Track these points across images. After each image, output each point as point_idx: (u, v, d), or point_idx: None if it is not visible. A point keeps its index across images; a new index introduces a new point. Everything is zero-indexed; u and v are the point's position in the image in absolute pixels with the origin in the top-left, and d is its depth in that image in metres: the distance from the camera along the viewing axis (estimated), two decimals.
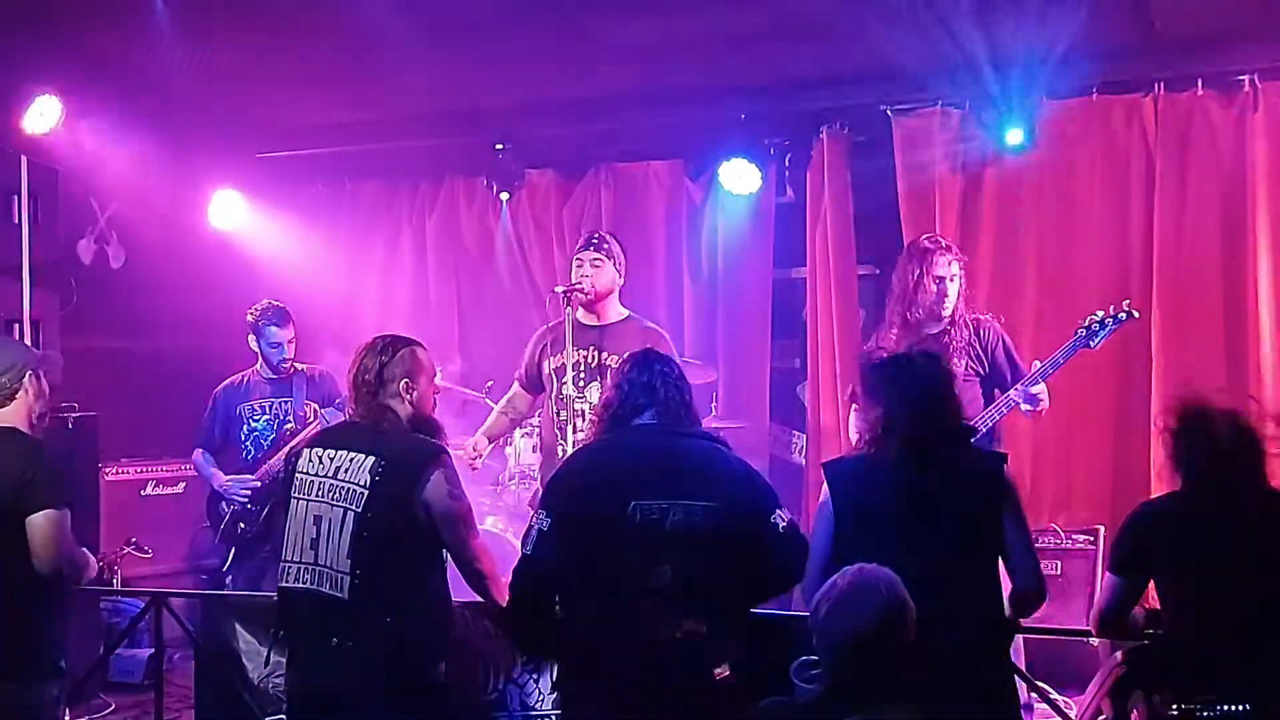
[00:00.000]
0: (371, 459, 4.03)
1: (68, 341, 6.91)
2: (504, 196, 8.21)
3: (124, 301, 7.85)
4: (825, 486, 4.04)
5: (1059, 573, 6.37)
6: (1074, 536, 6.52)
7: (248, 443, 6.71)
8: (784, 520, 3.88)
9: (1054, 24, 6.30)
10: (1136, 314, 5.79)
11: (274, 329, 6.63)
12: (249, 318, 6.69)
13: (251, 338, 6.68)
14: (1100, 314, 5.69)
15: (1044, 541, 6.38)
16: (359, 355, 4.26)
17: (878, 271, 8.04)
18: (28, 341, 6.64)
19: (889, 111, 7.33)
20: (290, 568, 4.10)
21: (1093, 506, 6.93)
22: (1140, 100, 6.95)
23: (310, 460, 4.14)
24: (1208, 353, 6.80)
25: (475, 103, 7.61)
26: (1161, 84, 6.88)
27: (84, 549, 4.40)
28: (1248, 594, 3.75)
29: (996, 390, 5.79)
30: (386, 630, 3.93)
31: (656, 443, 3.92)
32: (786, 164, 7.80)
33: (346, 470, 4.05)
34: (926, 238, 6.18)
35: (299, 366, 6.76)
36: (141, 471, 7.62)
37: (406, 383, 4.18)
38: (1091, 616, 4.10)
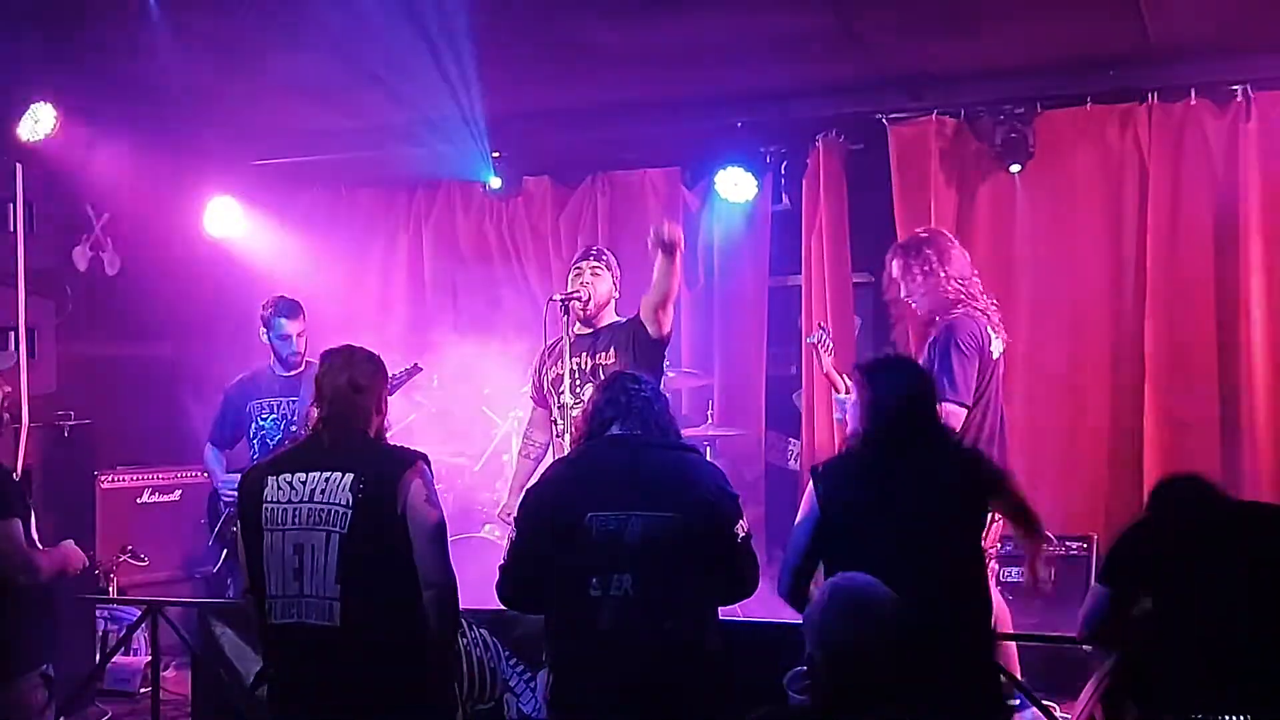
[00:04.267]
0: (349, 476, 3.83)
1: (63, 349, 6.94)
2: (495, 183, 8.18)
3: (120, 308, 7.84)
4: (810, 486, 4.11)
5: (1052, 579, 6.37)
6: (1068, 543, 6.52)
7: (255, 441, 6.59)
8: (742, 533, 3.91)
9: (1049, 33, 6.34)
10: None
11: (283, 320, 6.54)
12: (261, 311, 6.63)
13: (262, 330, 6.61)
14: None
15: None
16: (326, 365, 4.05)
17: (873, 279, 8.04)
18: (23, 348, 6.66)
19: (884, 120, 7.36)
20: (275, 603, 3.87)
21: (1086, 513, 6.95)
22: (1134, 109, 6.99)
23: (279, 488, 3.89)
24: (1200, 361, 6.82)
25: (472, 110, 7.61)
26: (1155, 94, 6.92)
27: (60, 547, 4.42)
28: (1240, 606, 3.77)
29: None
30: (389, 653, 3.79)
31: (620, 455, 3.95)
32: (782, 172, 7.83)
33: (324, 491, 3.84)
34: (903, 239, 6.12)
35: (311, 361, 6.51)
36: (137, 479, 7.58)
37: (381, 395, 4.06)
38: (1079, 623, 4.12)
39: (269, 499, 3.89)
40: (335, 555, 3.78)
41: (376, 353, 4.14)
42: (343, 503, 3.80)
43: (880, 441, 4.04)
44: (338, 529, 3.79)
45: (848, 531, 3.96)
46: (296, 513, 3.85)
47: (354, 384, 3.97)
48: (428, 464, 3.97)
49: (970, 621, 3.92)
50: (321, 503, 3.82)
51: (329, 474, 3.85)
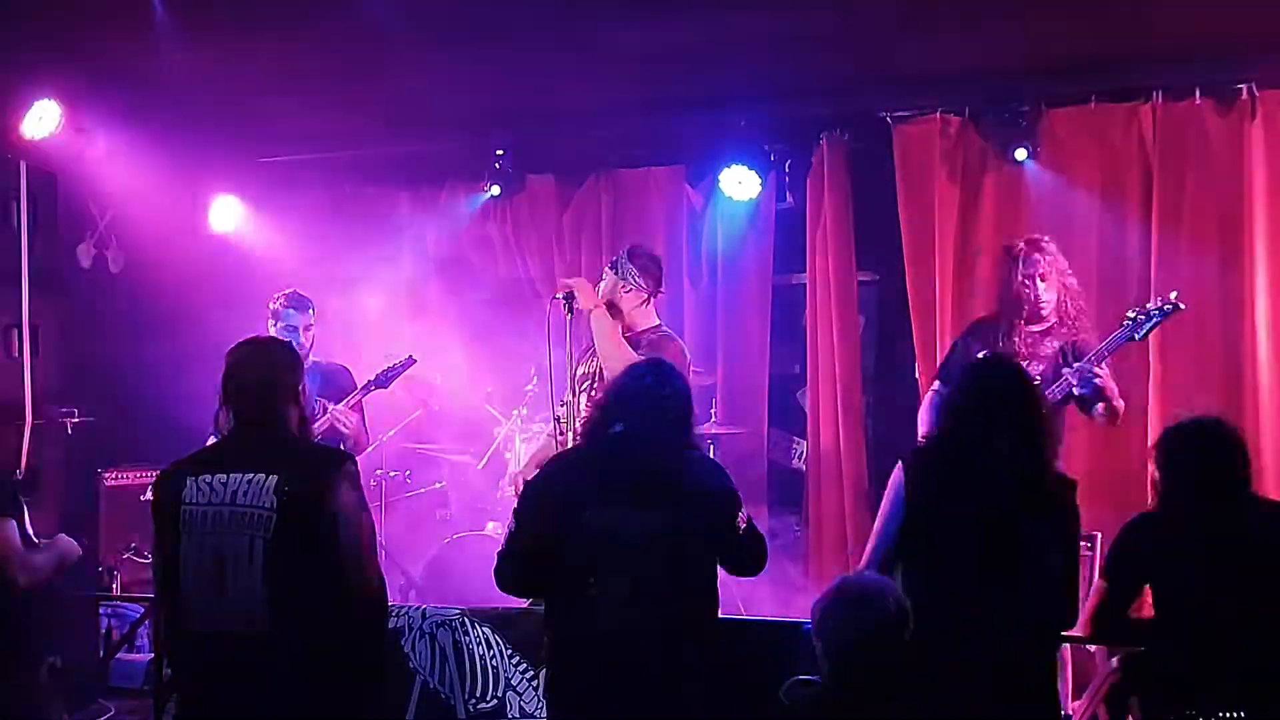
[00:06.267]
0: (274, 478, 3.62)
1: (67, 346, 6.92)
2: (494, 190, 8.21)
3: (123, 306, 7.84)
4: (900, 472, 4.05)
5: None
6: None
7: None
8: (744, 523, 3.92)
9: (1053, 31, 6.33)
10: (1182, 306, 5.72)
11: (292, 311, 6.44)
12: (271, 303, 6.55)
13: (271, 323, 6.53)
14: (1147, 306, 5.67)
15: None
16: (237, 357, 3.83)
17: (877, 278, 8.06)
18: (27, 346, 6.66)
19: (889, 118, 7.36)
20: (192, 611, 3.66)
21: (1091, 512, 6.90)
22: (1138, 108, 6.98)
23: (198, 489, 3.66)
24: (1205, 361, 6.82)
25: (476, 108, 7.62)
26: (1159, 92, 6.91)
27: (56, 541, 4.42)
28: (1240, 603, 3.76)
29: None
30: (314, 662, 3.62)
31: (621, 453, 3.95)
32: (787, 170, 7.83)
33: (246, 494, 3.62)
34: (1023, 239, 6.09)
35: (314, 359, 6.48)
36: (141, 476, 7.56)
37: (301, 387, 3.85)
38: (1081, 620, 4.12)
39: (187, 500, 3.67)
40: (260, 560, 3.58)
41: (286, 339, 4.00)
42: (267, 505, 3.60)
43: (975, 440, 3.96)
44: (262, 533, 3.59)
45: (931, 524, 3.95)
46: (218, 516, 3.63)
47: (264, 378, 3.78)
48: (355, 465, 3.79)
49: (1031, 632, 3.89)
50: (244, 506, 3.62)
51: (251, 475, 3.64)
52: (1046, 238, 6.08)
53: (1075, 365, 5.61)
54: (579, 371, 5.67)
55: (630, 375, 4.13)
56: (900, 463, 4.07)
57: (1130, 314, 5.68)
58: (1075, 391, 5.61)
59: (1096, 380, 5.60)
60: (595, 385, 5.52)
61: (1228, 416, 4.14)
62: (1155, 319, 5.64)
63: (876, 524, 4.07)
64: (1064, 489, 4.02)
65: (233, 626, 3.60)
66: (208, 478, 3.68)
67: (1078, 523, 3.99)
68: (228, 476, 3.66)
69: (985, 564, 3.81)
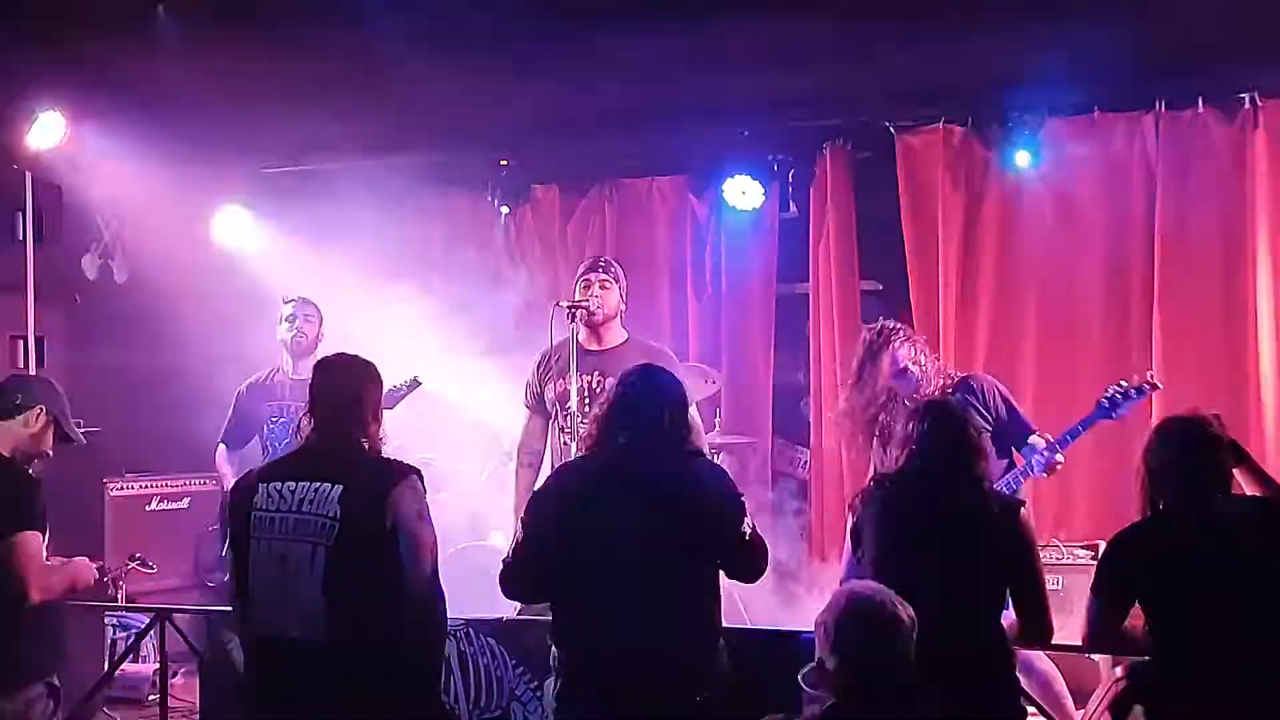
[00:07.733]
0: (339, 488, 3.73)
1: (72, 357, 6.94)
2: (504, 210, 8.24)
3: (129, 316, 7.86)
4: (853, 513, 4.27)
5: (1060, 587, 6.35)
6: (1075, 551, 6.52)
7: (266, 444, 6.54)
8: (749, 530, 3.96)
9: (1056, 42, 6.33)
10: (1159, 385, 5.69)
11: (290, 305, 6.53)
12: (281, 308, 6.61)
13: (280, 325, 6.59)
14: (1124, 385, 5.60)
15: (1045, 556, 6.37)
16: (324, 372, 4.01)
17: (880, 287, 8.07)
18: (33, 357, 6.68)
19: (892, 128, 7.38)
20: (259, 614, 3.80)
21: (1094, 521, 6.94)
22: (1141, 118, 6.99)
23: (268, 495, 3.80)
24: (1208, 369, 6.82)
25: (480, 118, 7.63)
26: (1162, 102, 6.92)
27: (72, 562, 4.45)
28: (1238, 607, 3.75)
29: (1011, 446, 5.73)
30: (374, 669, 3.69)
31: (627, 463, 3.95)
32: (790, 180, 7.84)
33: (312, 502, 3.74)
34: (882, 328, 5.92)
35: None
36: (146, 487, 7.61)
37: (377, 405, 3.98)
38: (1081, 635, 4.13)
39: (258, 506, 3.80)
40: (321, 568, 3.68)
41: (372, 360, 4.06)
42: (330, 515, 3.71)
43: (920, 475, 4.17)
44: (324, 542, 3.70)
45: (882, 554, 4.09)
46: (284, 522, 3.76)
47: (347, 392, 3.91)
48: (420, 478, 3.87)
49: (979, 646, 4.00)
50: (309, 514, 3.73)
51: (318, 484, 3.76)
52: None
53: (1040, 454, 5.53)
54: (574, 385, 5.64)
55: (629, 383, 4.11)
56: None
57: (1107, 394, 5.61)
58: (1042, 475, 5.61)
59: (1057, 463, 5.57)
60: (591, 400, 5.50)
61: (1218, 418, 4.12)
62: (1134, 398, 5.59)
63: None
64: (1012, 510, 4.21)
65: (294, 632, 3.71)
66: (278, 484, 3.81)
67: (1027, 539, 4.18)
68: (296, 484, 3.79)
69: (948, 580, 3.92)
